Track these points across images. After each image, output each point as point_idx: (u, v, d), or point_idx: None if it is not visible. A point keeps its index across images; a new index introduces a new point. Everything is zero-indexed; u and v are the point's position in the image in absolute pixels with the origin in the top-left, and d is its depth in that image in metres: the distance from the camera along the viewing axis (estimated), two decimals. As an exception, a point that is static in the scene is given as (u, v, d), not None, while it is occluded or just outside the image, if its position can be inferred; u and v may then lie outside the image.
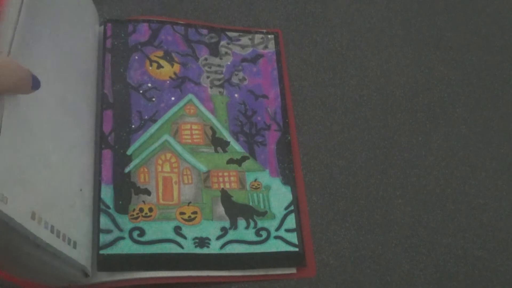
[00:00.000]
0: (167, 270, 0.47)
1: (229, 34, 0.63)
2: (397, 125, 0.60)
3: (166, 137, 0.54)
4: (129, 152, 0.52)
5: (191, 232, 0.50)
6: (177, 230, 0.49)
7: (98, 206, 0.48)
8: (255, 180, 0.54)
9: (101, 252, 0.46)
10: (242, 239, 0.50)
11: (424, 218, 0.55)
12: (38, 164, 0.37)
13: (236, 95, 0.59)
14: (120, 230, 0.48)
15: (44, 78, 0.36)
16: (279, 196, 0.54)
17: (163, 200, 0.51)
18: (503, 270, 0.53)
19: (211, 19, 0.65)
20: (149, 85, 0.56)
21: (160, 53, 0.58)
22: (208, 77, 0.59)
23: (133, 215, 0.49)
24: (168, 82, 0.57)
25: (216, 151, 0.55)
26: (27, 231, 0.32)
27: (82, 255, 0.42)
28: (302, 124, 0.60)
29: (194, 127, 0.56)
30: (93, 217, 0.47)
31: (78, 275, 0.42)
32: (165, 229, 0.49)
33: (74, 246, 0.41)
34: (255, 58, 0.62)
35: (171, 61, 0.58)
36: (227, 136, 0.56)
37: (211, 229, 0.50)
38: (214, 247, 0.49)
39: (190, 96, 0.57)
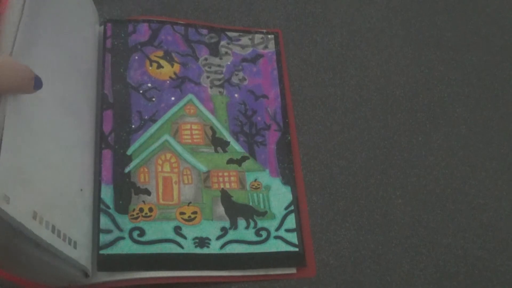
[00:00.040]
0: (167, 270, 0.47)
1: (229, 34, 0.63)
2: (397, 125, 0.60)
3: (166, 137, 0.54)
4: (129, 152, 0.52)
5: (191, 232, 0.50)
6: (177, 230, 0.49)
7: (98, 206, 0.48)
8: (255, 180, 0.54)
9: (101, 252, 0.46)
10: (242, 239, 0.51)
11: (424, 218, 0.55)
12: (39, 164, 0.37)
13: (236, 95, 0.59)
14: (120, 230, 0.48)
15: (45, 78, 0.36)
16: (279, 196, 0.54)
17: (163, 200, 0.51)
18: (503, 270, 0.54)
19: (211, 19, 0.65)
20: (149, 85, 0.56)
21: (160, 53, 0.58)
22: (208, 77, 0.59)
23: (133, 215, 0.49)
24: (168, 82, 0.57)
25: (216, 151, 0.55)
26: (28, 231, 0.32)
27: (82, 255, 0.42)
28: (302, 124, 0.60)
29: (194, 127, 0.56)
30: (93, 217, 0.48)
31: (78, 275, 0.42)
32: (165, 229, 0.49)
33: (75, 246, 0.41)
34: (255, 58, 0.62)
35: (171, 61, 0.58)
36: (227, 136, 0.56)
37: (211, 229, 0.50)
38: (214, 247, 0.49)
39: (190, 96, 0.57)
